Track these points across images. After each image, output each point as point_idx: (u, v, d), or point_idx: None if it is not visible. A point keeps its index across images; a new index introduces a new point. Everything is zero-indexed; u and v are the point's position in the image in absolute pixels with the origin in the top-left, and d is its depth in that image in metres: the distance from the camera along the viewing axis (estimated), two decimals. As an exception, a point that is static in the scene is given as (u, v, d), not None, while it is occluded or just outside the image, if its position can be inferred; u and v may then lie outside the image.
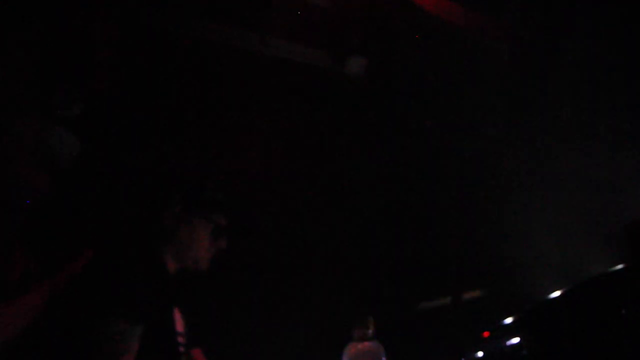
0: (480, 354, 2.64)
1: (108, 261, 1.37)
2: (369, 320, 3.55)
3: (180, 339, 1.58)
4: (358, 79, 3.59)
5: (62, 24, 1.14)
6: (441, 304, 4.07)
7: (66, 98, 1.14)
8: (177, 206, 1.64)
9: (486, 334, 2.66)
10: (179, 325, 1.61)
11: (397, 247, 4.03)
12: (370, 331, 3.47)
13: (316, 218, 3.52)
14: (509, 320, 2.46)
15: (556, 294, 2.16)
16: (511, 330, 2.39)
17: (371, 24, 3.40)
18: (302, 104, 3.62)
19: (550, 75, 3.57)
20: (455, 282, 3.95)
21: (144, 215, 1.60)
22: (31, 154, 1.04)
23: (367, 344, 3.45)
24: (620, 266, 1.86)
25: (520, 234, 3.66)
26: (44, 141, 1.12)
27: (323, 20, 3.32)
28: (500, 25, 3.57)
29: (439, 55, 3.56)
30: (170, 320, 1.54)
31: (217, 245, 1.74)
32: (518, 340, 2.31)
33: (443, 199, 3.96)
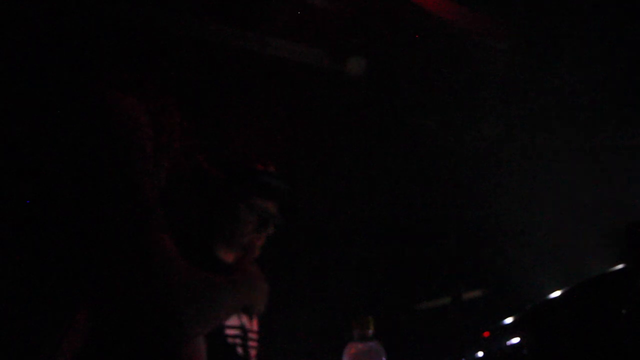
0: (480, 354, 2.64)
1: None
2: (369, 320, 3.54)
3: (229, 332, 1.55)
4: (358, 79, 3.59)
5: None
6: (441, 304, 4.07)
7: None
8: (217, 190, 1.58)
9: (486, 334, 2.66)
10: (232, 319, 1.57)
11: (396, 247, 4.03)
12: (370, 331, 3.46)
13: (315, 218, 3.51)
14: (509, 320, 2.46)
15: (556, 294, 2.16)
16: (511, 330, 2.38)
17: (371, 24, 3.39)
18: (302, 104, 3.61)
19: (550, 75, 3.57)
20: (455, 282, 3.94)
21: (188, 204, 1.57)
22: None
23: (367, 344, 3.44)
24: (620, 266, 1.86)
25: (520, 234, 3.66)
26: None
27: (323, 20, 3.32)
28: (501, 25, 3.56)
29: (439, 55, 3.56)
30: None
31: (265, 232, 1.69)
32: (518, 340, 2.31)
33: (443, 199, 3.95)
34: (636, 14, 3.16)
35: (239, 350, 1.63)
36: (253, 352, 1.71)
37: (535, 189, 3.73)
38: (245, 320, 1.70)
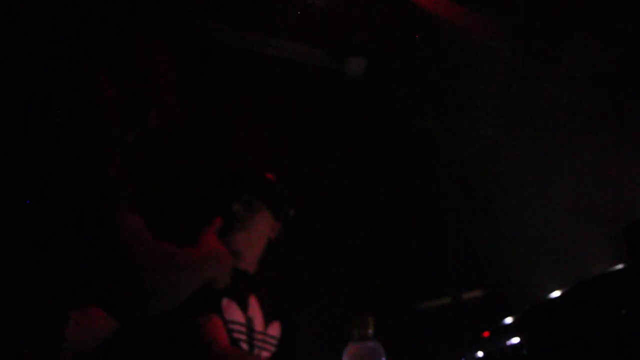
0: (480, 354, 2.63)
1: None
2: (369, 320, 3.54)
3: (233, 327, 1.59)
4: (358, 79, 3.59)
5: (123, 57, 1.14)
6: (441, 304, 4.07)
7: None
8: (244, 196, 1.72)
9: (486, 334, 2.66)
10: (235, 314, 1.63)
11: (396, 246, 4.03)
12: (370, 331, 3.46)
13: (315, 218, 3.52)
14: (509, 320, 2.46)
15: (556, 294, 2.16)
16: (511, 330, 2.38)
17: (371, 24, 3.39)
18: (302, 104, 3.62)
19: (550, 75, 3.57)
20: (455, 282, 3.94)
21: (215, 205, 1.63)
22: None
23: (367, 344, 3.43)
24: (620, 266, 1.86)
25: (520, 234, 3.66)
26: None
27: (323, 20, 3.32)
28: (501, 25, 3.56)
29: (439, 55, 3.56)
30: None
31: (270, 236, 1.82)
32: (518, 340, 2.31)
33: (443, 199, 3.96)
34: (636, 13, 3.16)
35: (244, 345, 1.65)
36: (264, 354, 1.73)
37: (535, 189, 3.73)
38: (257, 322, 1.73)
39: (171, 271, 0.98)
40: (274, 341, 1.80)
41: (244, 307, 1.71)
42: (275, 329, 1.83)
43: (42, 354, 0.91)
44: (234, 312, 1.68)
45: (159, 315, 0.96)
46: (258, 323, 1.74)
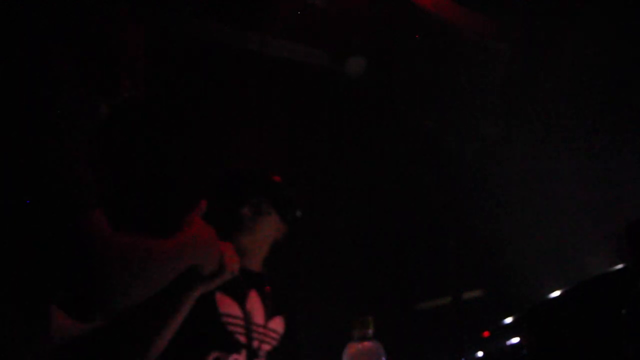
0: (480, 354, 2.64)
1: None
2: (369, 320, 3.53)
3: (228, 319, 1.60)
4: (358, 79, 3.59)
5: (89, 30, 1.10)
6: (441, 304, 4.07)
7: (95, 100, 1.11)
8: (254, 198, 1.73)
9: (486, 334, 2.66)
10: (230, 307, 1.63)
11: (396, 247, 4.03)
12: (370, 331, 3.45)
13: (315, 218, 3.52)
14: (509, 320, 2.46)
15: (556, 294, 2.16)
16: (511, 330, 2.39)
17: (371, 24, 3.40)
18: (302, 104, 3.62)
19: (550, 75, 3.57)
20: (455, 282, 3.94)
21: (225, 206, 1.63)
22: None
23: (367, 344, 3.43)
24: (620, 266, 1.86)
25: (520, 234, 3.66)
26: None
27: (323, 20, 3.32)
28: (500, 25, 3.56)
29: (439, 55, 3.56)
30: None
31: (276, 237, 1.84)
32: (518, 340, 2.31)
33: (443, 199, 3.96)
34: (636, 13, 3.16)
35: (241, 338, 1.66)
36: (265, 347, 1.73)
37: (535, 189, 3.73)
38: (257, 315, 1.73)
39: (134, 263, 0.92)
40: (275, 335, 1.80)
41: (241, 300, 1.70)
42: (277, 323, 1.83)
43: (38, 350, 0.90)
44: (228, 305, 1.68)
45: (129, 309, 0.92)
46: (258, 317, 1.74)
